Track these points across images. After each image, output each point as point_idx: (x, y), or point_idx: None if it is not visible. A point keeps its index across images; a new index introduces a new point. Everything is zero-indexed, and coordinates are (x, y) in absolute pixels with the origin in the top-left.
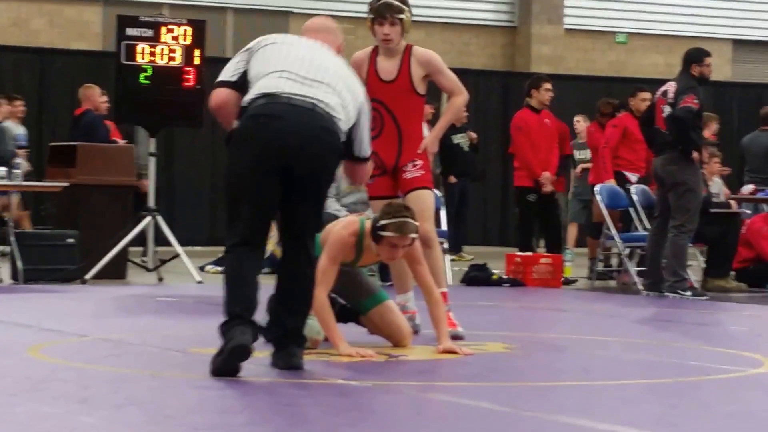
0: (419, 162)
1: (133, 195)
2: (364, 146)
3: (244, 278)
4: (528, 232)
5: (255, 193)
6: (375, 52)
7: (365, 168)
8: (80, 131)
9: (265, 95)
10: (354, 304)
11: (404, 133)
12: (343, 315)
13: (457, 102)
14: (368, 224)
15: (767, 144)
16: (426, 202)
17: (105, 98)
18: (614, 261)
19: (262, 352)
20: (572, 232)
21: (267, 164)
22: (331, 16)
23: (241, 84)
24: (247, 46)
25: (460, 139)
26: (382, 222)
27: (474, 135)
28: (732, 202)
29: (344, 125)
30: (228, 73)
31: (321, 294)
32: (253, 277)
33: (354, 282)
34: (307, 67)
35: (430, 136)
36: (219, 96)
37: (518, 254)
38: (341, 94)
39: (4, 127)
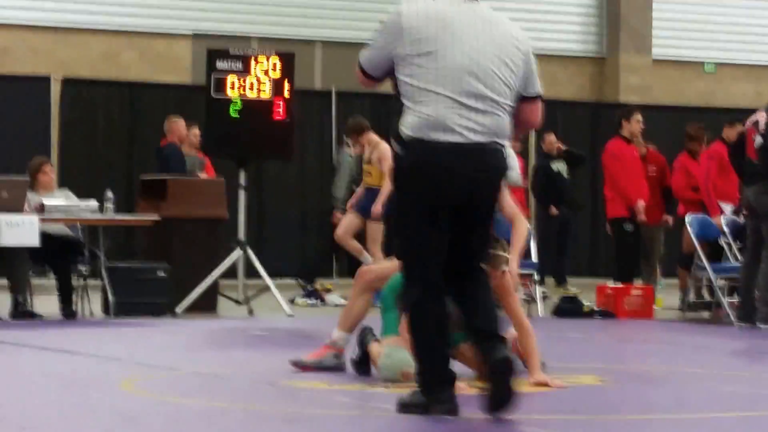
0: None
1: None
2: (534, 84)
3: (442, 334)
4: (627, 263)
5: (429, 240)
6: None
7: (537, 107)
8: (159, 163)
9: (430, 140)
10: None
11: None
12: None
13: (522, 230)
14: None
15: None
16: None
17: (196, 131)
18: (705, 292)
19: (369, 386)
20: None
21: (439, 210)
22: None
23: (384, 77)
24: (396, 47)
25: (560, 166)
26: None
27: (562, 147)
28: None
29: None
30: (375, 67)
31: None
32: (447, 327)
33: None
34: (474, 89)
35: (511, 260)
36: (363, 82)
37: (610, 285)
38: (507, 96)
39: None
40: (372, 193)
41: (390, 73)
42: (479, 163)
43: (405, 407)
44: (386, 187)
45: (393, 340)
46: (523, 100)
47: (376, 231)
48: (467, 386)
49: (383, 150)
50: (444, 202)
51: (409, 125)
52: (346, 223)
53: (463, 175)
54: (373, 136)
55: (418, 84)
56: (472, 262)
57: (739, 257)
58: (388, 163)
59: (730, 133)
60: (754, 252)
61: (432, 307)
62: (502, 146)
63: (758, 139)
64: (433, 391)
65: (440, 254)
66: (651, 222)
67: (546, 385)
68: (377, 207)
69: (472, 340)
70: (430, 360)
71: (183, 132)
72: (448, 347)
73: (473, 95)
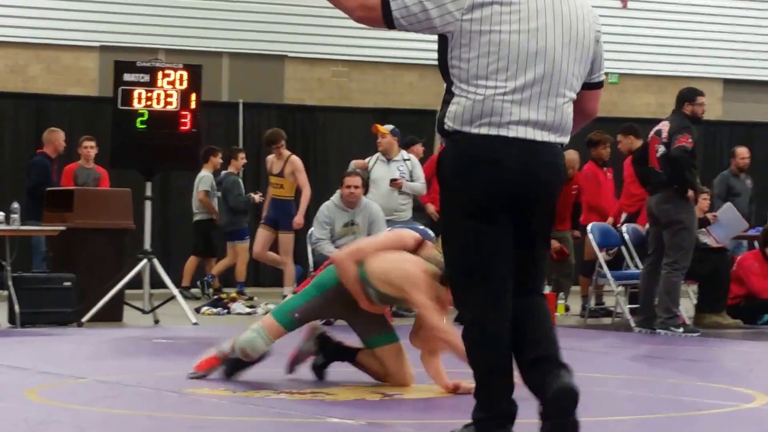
0: None
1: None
2: (601, 70)
3: (507, 359)
4: None
5: (485, 244)
6: None
7: (599, 95)
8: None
9: (476, 134)
10: (364, 337)
11: None
12: (340, 353)
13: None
14: (433, 268)
15: None
16: None
17: (87, 143)
18: (606, 299)
19: (273, 392)
20: None
21: (494, 208)
22: (325, 59)
23: (404, 30)
24: (452, 9)
25: None
26: None
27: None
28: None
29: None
30: (408, 14)
31: (447, 325)
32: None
33: (371, 317)
34: (537, 78)
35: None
36: (365, 18)
37: None
38: (574, 88)
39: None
40: (283, 204)
41: (418, 30)
42: (533, 160)
43: None
44: (306, 198)
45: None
46: (586, 87)
47: (288, 241)
48: (370, 392)
49: (296, 162)
50: (497, 199)
51: (452, 115)
52: (261, 239)
53: (515, 170)
54: (285, 150)
55: (469, 67)
56: (529, 276)
57: (640, 264)
58: (302, 175)
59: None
60: (655, 259)
61: (490, 329)
62: (561, 145)
63: (661, 149)
64: (486, 424)
65: (502, 259)
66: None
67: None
68: (300, 219)
69: (525, 366)
70: (486, 390)
71: (59, 143)
72: (506, 375)
73: (535, 85)
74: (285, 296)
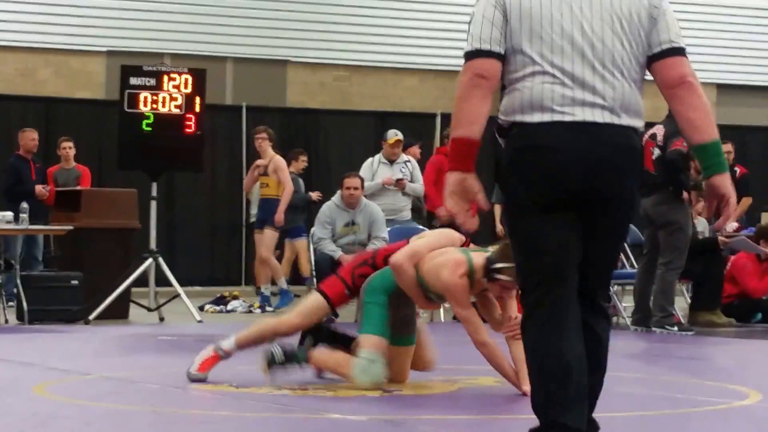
0: None
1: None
2: (659, 36)
3: (567, 361)
4: None
5: (547, 241)
6: None
7: (673, 63)
8: None
9: (527, 122)
10: (390, 333)
11: None
12: (338, 340)
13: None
14: (477, 260)
15: None
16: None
17: (64, 144)
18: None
19: (277, 389)
20: None
21: (554, 204)
22: (327, 64)
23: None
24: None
25: None
26: (499, 265)
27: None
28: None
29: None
30: (489, 39)
31: (486, 338)
32: (580, 349)
33: (405, 315)
34: (581, 56)
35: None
36: (491, 68)
37: None
38: (629, 62)
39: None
40: (269, 203)
41: (503, 39)
42: (592, 143)
43: None
44: (286, 196)
45: (372, 343)
46: (653, 59)
47: (271, 238)
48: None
49: (279, 161)
50: (557, 192)
51: (502, 109)
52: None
53: (573, 157)
54: (270, 149)
55: (509, 55)
56: (587, 290)
57: (635, 264)
58: (284, 173)
59: None
60: (650, 259)
61: (545, 328)
62: (630, 128)
63: (656, 152)
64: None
65: (566, 255)
66: None
67: None
68: (279, 216)
69: None
70: (553, 394)
71: (26, 142)
72: (566, 383)
73: (580, 65)
74: (261, 293)
